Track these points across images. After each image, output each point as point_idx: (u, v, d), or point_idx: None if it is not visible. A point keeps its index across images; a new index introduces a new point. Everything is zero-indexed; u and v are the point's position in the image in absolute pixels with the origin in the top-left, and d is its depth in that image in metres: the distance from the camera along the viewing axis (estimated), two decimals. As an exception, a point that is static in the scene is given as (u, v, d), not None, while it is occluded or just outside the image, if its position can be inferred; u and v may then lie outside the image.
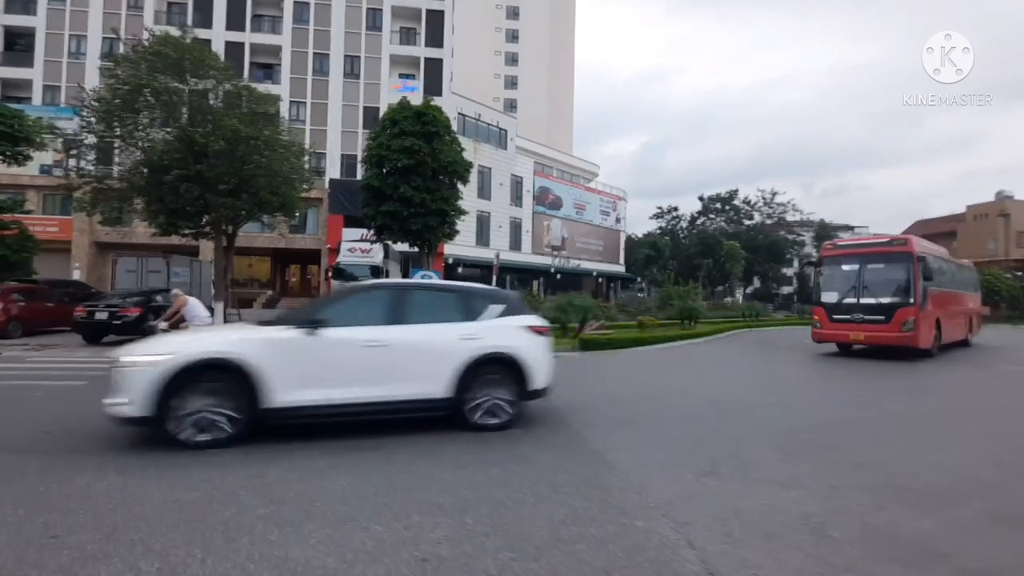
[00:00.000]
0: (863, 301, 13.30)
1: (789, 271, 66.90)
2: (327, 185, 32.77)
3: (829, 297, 14.19)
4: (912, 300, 12.51)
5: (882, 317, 12.80)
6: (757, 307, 31.48)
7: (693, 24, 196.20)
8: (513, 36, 64.45)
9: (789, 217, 58.20)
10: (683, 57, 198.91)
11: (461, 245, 31.50)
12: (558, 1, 67.47)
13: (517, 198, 39.65)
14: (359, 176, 24.11)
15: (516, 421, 5.61)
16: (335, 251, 25.12)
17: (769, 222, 58.71)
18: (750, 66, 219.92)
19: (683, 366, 12.23)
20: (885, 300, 12.96)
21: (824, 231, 66.04)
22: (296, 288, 38.04)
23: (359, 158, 27.50)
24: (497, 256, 16.98)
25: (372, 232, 20.74)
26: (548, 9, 65.82)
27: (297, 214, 22.91)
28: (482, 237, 36.77)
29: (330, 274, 22.22)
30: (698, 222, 59.04)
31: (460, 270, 34.12)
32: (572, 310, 16.45)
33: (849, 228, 72.17)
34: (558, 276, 40.75)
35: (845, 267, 14.02)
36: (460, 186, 19.56)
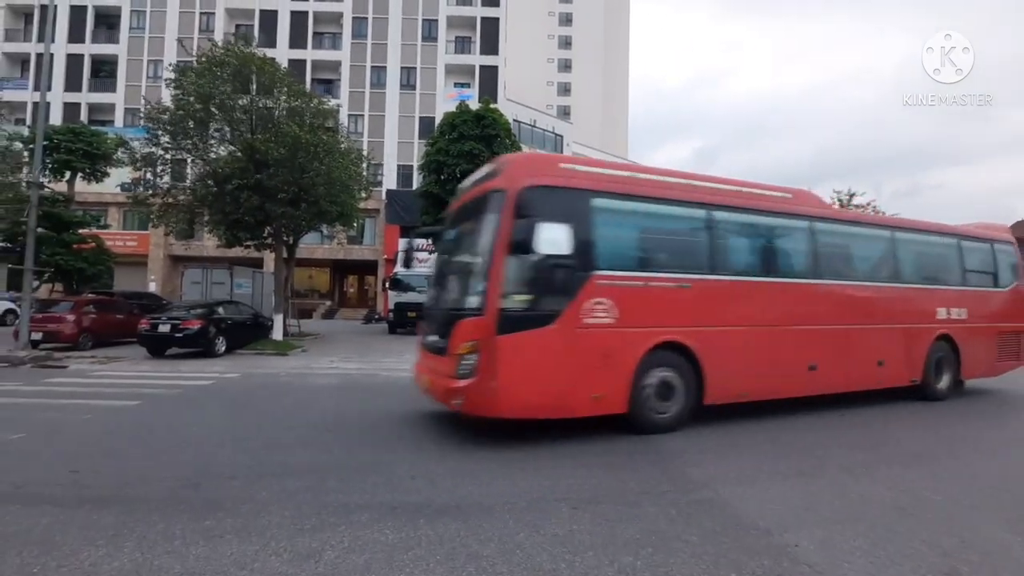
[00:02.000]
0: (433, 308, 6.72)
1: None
2: (384, 195, 32.70)
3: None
4: (482, 302, 5.19)
5: (441, 343, 5.67)
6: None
7: (747, 25, 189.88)
8: (566, 43, 63.47)
9: (867, 220, 53.65)
10: (736, 59, 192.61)
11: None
12: (612, 7, 66.08)
13: (574, 205, 38.31)
14: (415, 186, 23.56)
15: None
16: (392, 261, 24.71)
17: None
18: (807, 67, 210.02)
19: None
20: (446, 305, 6.09)
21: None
22: (354, 298, 38.22)
23: (415, 168, 27.11)
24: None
25: (431, 241, 20.05)
26: (602, 15, 64.52)
27: (355, 223, 22.59)
28: (541, 245, 35.62)
29: (387, 285, 21.70)
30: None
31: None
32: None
33: (933, 231, 66.00)
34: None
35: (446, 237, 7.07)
36: (521, 191, 18.53)
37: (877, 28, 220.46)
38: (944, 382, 8.38)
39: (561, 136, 40.34)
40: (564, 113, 54.75)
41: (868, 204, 53.34)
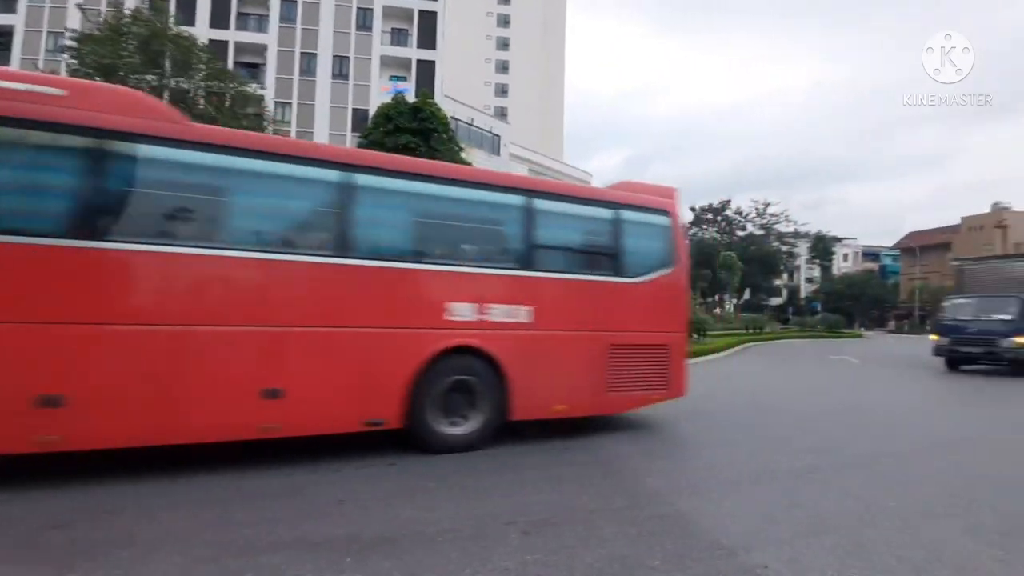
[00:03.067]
0: None
1: (779, 282, 66.42)
2: (313, 190, 31.02)
3: None
4: None
5: None
6: (762, 320, 30.29)
7: (678, 43, 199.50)
8: (504, 45, 63.46)
9: (782, 228, 57.56)
10: (667, 75, 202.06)
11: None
12: (550, 12, 66.82)
13: (511, 206, 38.12)
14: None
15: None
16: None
17: (759, 233, 58.05)
18: (731, 85, 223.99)
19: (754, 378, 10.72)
20: None
21: (821, 242, 65.83)
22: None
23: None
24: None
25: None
26: (540, 20, 65.09)
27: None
28: (475, 246, 35.13)
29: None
30: (691, 232, 58.11)
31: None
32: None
33: (838, 240, 72.21)
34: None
35: None
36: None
37: (786, 53, 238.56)
38: (468, 425, 5.17)
39: (499, 136, 40.09)
40: (501, 114, 54.60)
41: (781, 213, 57.44)
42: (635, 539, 3.28)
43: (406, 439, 5.02)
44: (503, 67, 63.27)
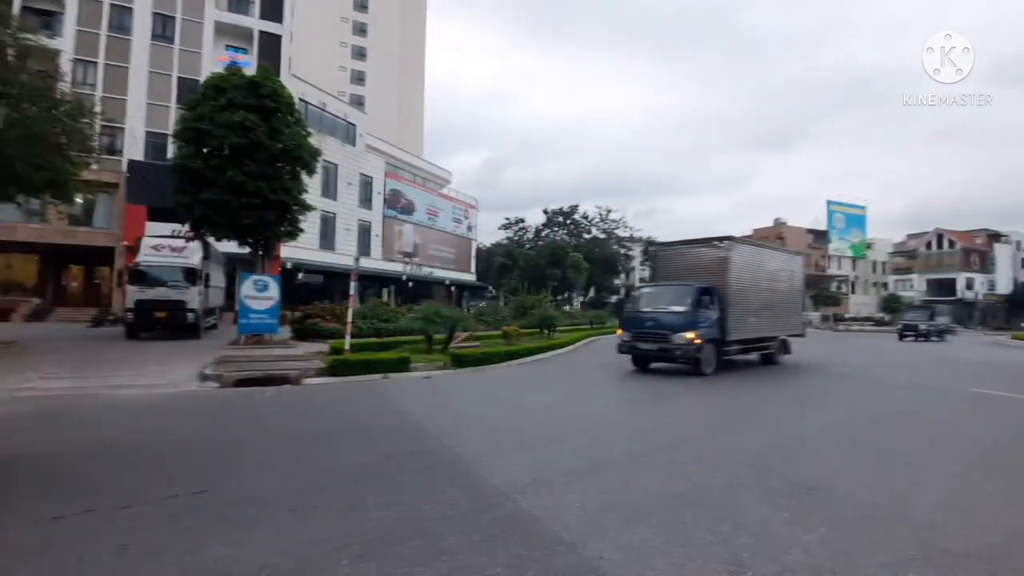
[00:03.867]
0: None
1: (618, 281, 73.14)
2: (125, 168, 26.30)
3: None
4: None
5: None
6: (604, 315, 32.89)
7: (533, 53, 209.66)
8: (361, 29, 60.37)
9: (620, 233, 63.32)
10: (523, 84, 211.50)
11: (302, 248, 27.64)
12: (409, 1, 65.16)
13: (367, 200, 36.41)
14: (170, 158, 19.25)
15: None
16: (134, 249, 19.77)
17: (602, 236, 63.22)
18: (580, 99, 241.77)
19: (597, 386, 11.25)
20: None
21: (652, 246, 73.77)
22: (78, 295, 29.94)
23: (170, 137, 22.29)
24: (357, 261, 14.44)
25: (188, 227, 16.57)
26: (399, 5, 63.09)
27: (76, 197, 17.47)
28: (327, 240, 32.89)
29: (126, 278, 17.29)
30: (543, 234, 61.14)
31: (301, 276, 29.98)
32: (440, 321, 14.65)
33: (670, 244, 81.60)
34: (410, 284, 38.40)
35: None
36: (305, 177, 16.45)
37: (618, 75, 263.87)
38: None
39: (354, 126, 37.98)
40: (358, 103, 51.86)
41: (620, 219, 63.25)
42: (477, 546, 3.13)
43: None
44: (360, 54, 60.16)
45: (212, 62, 28.16)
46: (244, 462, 4.86)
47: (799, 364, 14.48)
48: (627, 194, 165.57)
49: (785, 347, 14.97)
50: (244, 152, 14.28)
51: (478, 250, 52.14)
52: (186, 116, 14.92)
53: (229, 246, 17.80)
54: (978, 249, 79.66)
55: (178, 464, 4.70)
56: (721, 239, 13.09)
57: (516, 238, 62.11)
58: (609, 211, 62.78)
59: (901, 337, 30.81)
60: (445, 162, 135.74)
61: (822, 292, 65.92)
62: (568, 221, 61.84)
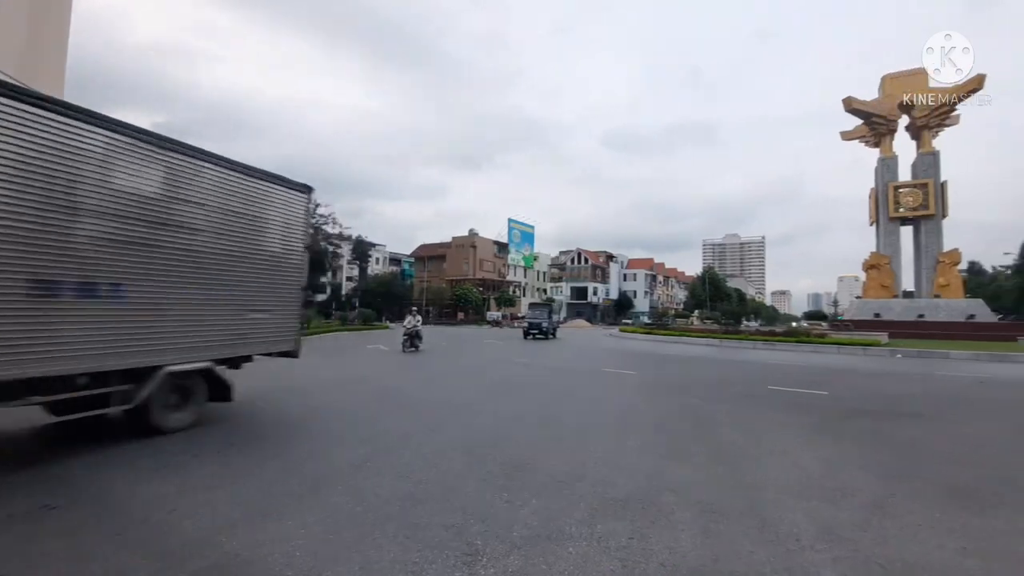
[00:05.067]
0: None
1: (325, 280, 69.70)
2: None
3: None
4: None
5: None
6: (310, 315, 30.70)
7: (233, 15, 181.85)
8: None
9: (330, 229, 60.59)
10: (217, 46, 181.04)
11: None
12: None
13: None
14: None
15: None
16: None
17: (311, 232, 59.27)
18: (287, 81, 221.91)
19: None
20: None
21: (361, 246, 72.48)
22: None
23: None
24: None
25: None
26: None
27: None
28: None
29: None
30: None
31: None
32: None
33: (373, 245, 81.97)
34: None
35: None
36: None
37: (333, 65, 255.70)
38: None
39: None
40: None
41: (329, 216, 60.59)
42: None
43: None
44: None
45: None
46: None
47: (463, 361, 16.41)
48: (333, 191, 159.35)
49: (218, 388, 6.41)
50: None
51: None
52: None
53: None
54: (600, 265, 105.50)
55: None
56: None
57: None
58: (317, 206, 59.34)
59: (526, 336, 30.13)
60: (111, 112, 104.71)
61: (503, 295, 76.90)
62: (269, 212, 55.77)
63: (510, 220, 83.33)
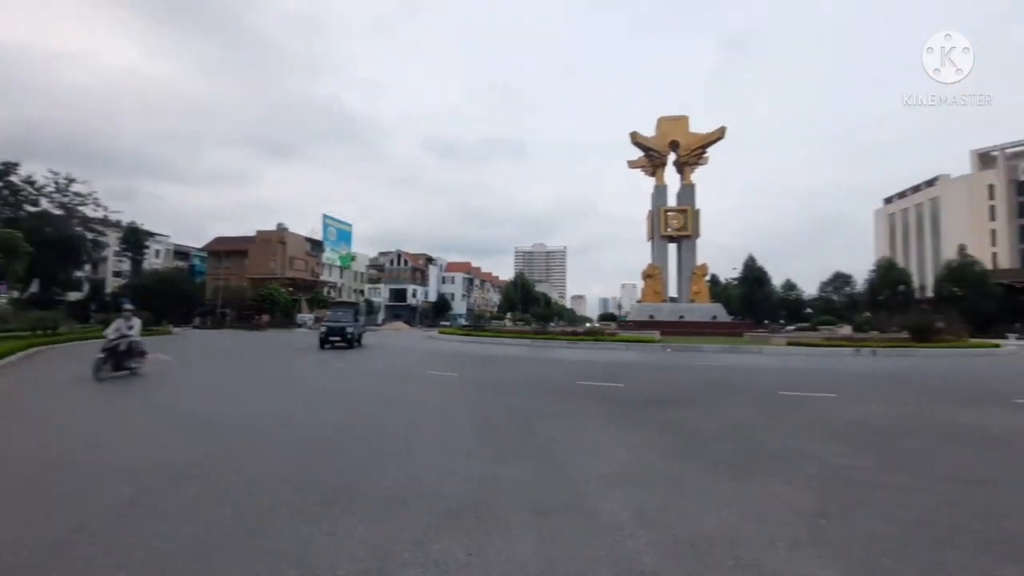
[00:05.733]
0: None
1: (81, 274, 55.97)
2: None
3: None
4: None
5: None
6: (56, 317, 23.98)
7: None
8: None
9: (90, 212, 48.63)
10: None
11: None
12: None
13: None
14: None
15: None
16: None
17: (59, 212, 46.89)
18: (22, 21, 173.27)
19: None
20: None
21: (135, 235, 59.87)
22: None
23: None
24: None
25: None
26: None
27: None
28: None
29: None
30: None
31: None
32: None
33: (151, 234, 68.61)
34: None
35: None
36: None
37: (108, 22, 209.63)
38: None
39: None
40: None
41: (89, 195, 48.65)
42: None
43: None
44: None
45: None
46: None
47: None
48: (96, 166, 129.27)
49: None
50: None
51: None
52: None
53: None
54: (420, 267, 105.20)
55: None
56: None
57: None
58: (72, 181, 47.28)
59: (323, 344, 22.82)
60: None
61: (317, 296, 71.27)
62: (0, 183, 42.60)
63: (325, 216, 77.96)
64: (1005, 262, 66.58)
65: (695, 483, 4.57)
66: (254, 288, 61.94)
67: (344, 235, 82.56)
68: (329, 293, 77.58)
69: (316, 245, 76.49)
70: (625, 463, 5.20)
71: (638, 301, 54.53)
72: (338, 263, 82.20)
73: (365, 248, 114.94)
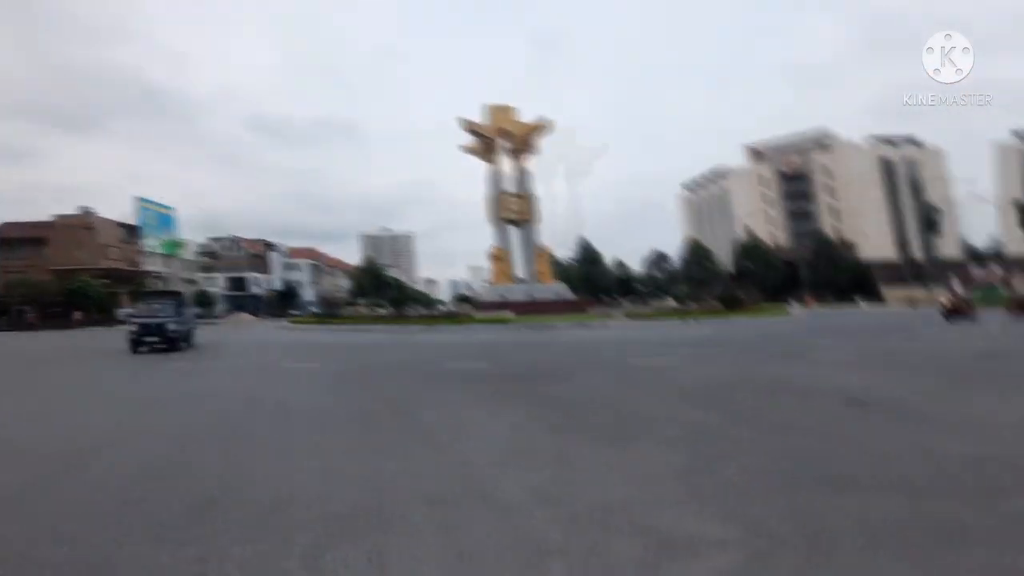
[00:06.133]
0: None
1: None
2: None
3: None
4: None
5: None
6: None
7: None
8: None
9: None
10: None
11: None
12: None
13: None
14: None
15: None
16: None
17: None
18: None
19: None
20: None
21: None
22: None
23: None
24: None
25: None
26: None
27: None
28: None
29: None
30: None
31: None
32: None
33: None
34: None
35: None
36: None
37: None
38: None
39: None
40: None
41: None
42: None
43: None
44: None
45: None
46: None
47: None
48: None
49: None
50: None
51: None
52: None
53: None
54: (259, 253, 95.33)
55: None
56: None
57: None
58: None
59: (136, 347, 16.82)
60: None
61: (139, 287, 60.40)
62: None
63: (142, 200, 66.46)
64: (783, 241, 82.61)
65: (579, 455, 4.79)
66: (60, 281, 50.51)
67: (165, 220, 70.94)
68: (156, 284, 66.27)
69: (134, 231, 64.56)
70: (510, 442, 5.26)
71: (489, 283, 56.00)
72: (162, 251, 70.39)
73: (194, 234, 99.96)
